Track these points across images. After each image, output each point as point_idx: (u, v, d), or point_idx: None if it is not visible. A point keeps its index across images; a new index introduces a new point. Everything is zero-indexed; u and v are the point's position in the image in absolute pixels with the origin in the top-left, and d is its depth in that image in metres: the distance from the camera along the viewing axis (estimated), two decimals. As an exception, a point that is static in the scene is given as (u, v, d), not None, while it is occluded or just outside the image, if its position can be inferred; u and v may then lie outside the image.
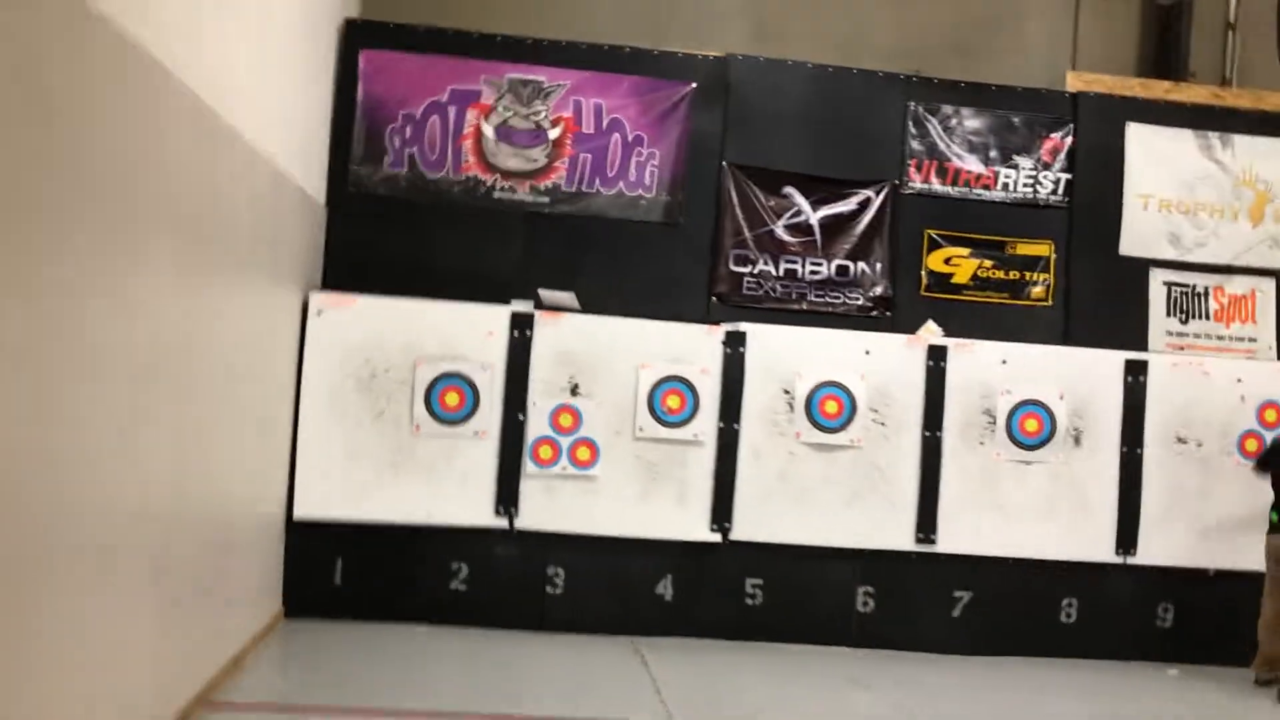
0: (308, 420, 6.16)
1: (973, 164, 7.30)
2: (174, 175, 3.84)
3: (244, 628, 5.48)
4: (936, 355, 6.68)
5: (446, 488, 6.28)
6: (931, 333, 6.85)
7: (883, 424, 6.61)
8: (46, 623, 3.02)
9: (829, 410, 6.56)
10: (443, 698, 5.20)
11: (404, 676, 5.41)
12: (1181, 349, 7.32)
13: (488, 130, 6.84)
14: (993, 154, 7.32)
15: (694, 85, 7.03)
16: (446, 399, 6.27)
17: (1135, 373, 6.76)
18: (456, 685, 5.41)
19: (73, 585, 3.20)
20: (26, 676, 2.91)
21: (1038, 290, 7.34)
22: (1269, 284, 7.49)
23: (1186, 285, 7.43)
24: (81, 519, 3.23)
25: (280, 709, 4.86)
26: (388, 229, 6.78)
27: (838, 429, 6.57)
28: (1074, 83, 7.58)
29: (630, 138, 6.93)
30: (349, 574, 6.28)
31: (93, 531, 3.33)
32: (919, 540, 6.59)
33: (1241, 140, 7.42)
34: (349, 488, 6.19)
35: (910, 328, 6.94)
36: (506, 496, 6.32)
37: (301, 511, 6.14)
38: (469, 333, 6.34)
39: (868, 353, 6.64)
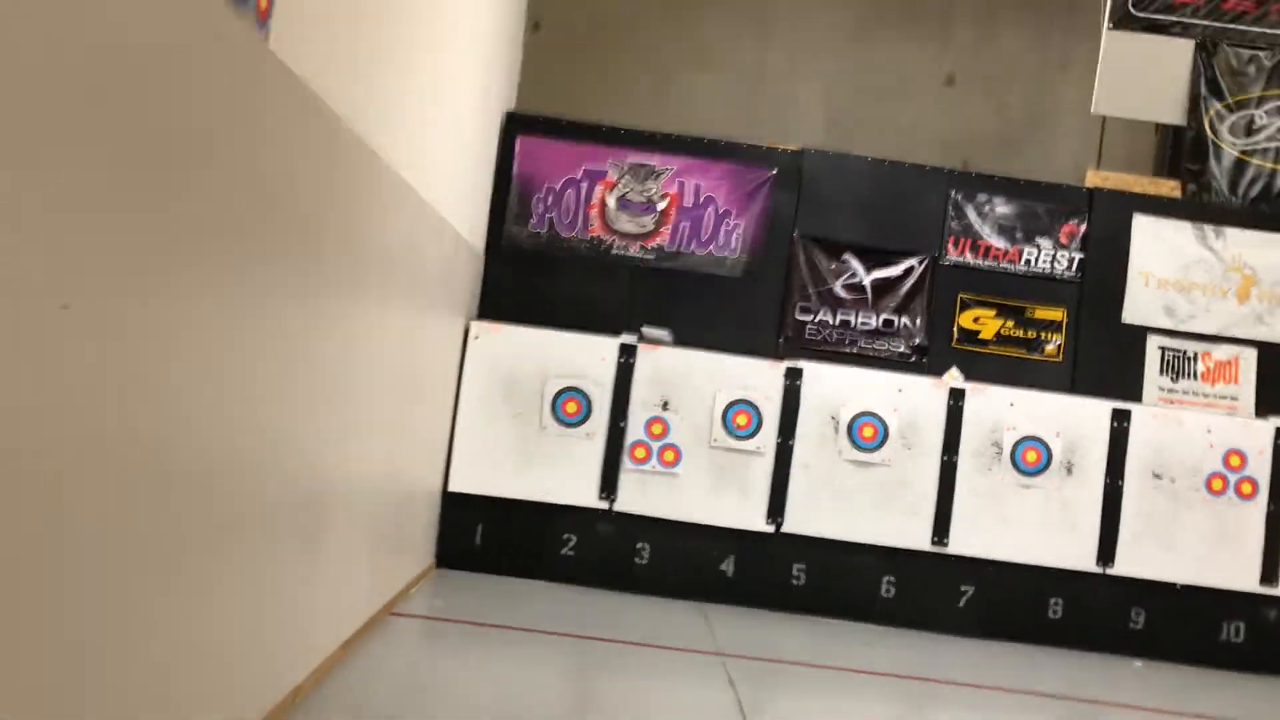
0: (463, 417, 8.14)
1: (1000, 242, 8.96)
2: (392, 240, 5.79)
3: (411, 569, 7.43)
4: (957, 396, 8.36)
5: (562, 475, 8.20)
6: (954, 378, 8.52)
7: (909, 448, 8.31)
8: (324, 548, 4.97)
9: (866, 434, 8.29)
10: (560, 624, 7.07)
11: (529, 610, 7.31)
12: (1171, 403, 8.83)
13: (610, 201, 8.78)
14: (1018, 235, 8.97)
15: (774, 172, 8.87)
16: (567, 407, 8.20)
17: (1120, 419, 8.34)
18: (568, 619, 7.28)
19: (333, 525, 5.15)
20: (309, 581, 4.87)
21: (1050, 348, 8.95)
22: (1251, 352, 8.95)
23: (1178, 350, 8.95)
24: (340, 481, 5.18)
25: (438, 620, 6.80)
26: (529, 274, 8.76)
27: (873, 450, 8.29)
28: (1092, 179, 9.17)
29: (721, 211, 8.80)
30: (486, 536, 8.23)
31: (344, 490, 5.28)
32: (934, 542, 8.25)
33: (1232, 232, 8.90)
34: (490, 470, 8.15)
35: (939, 372, 8.62)
36: (608, 485, 8.21)
37: (454, 486, 8.12)
38: (586, 357, 8.26)
39: (900, 390, 8.35)
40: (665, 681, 6.24)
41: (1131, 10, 6.00)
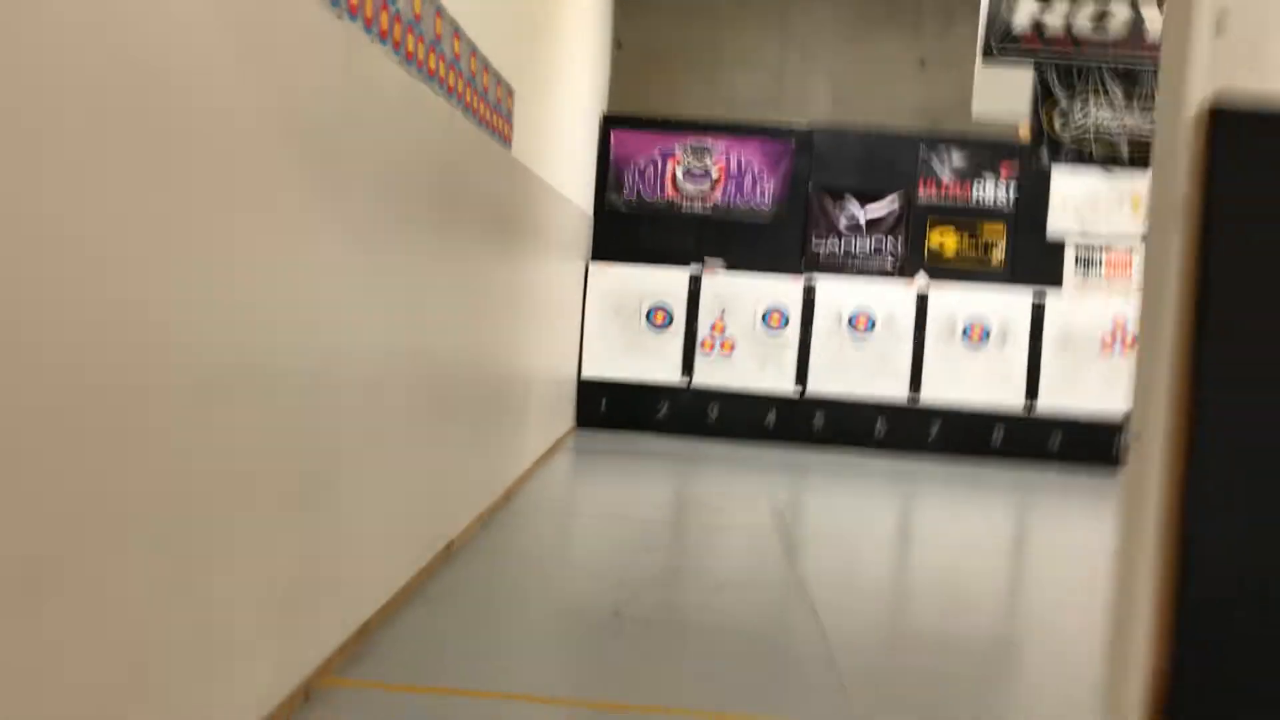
0: (588, 327, 12.16)
1: (956, 181, 12.57)
2: (544, 220, 9.73)
3: (564, 426, 11.51)
4: (922, 298, 12.09)
5: (656, 362, 12.18)
6: (921, 282, 12.23)
7: (891, 332, 12.10)
8: (529, 411, 9.02)
9: (861, 324, 12.10)
10: (659, 457, 11.12)
11: (637, 448, 11.37)
12: (1081, 292, 12.43)
13: (678, 172, 12.59)
14: (969, 175, 12.57)
15: (793, 143, 12.58)
16: (657, 317, 12.15)
17: (1038, 304, 12.01)
18: (664, 454, 11.32)
19: (532, 397, 9.19)
20: (524, 426, 8.93)
21: (996, 256, 12.59)
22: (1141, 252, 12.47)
23: (1088, 251, 12.51)
24: (535, 371, 9.20)
25: (582, 454, 10.89)
26: (624, 227, 12.65)
27: (866, 334, 12.10)
28: (1022, 131, 12.67)
29: (756, 174, 12.56)
30: (609, 405, 12.28)
31: (536, 377, 9.31)
32: (910, 395, 12.07)
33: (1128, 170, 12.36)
34: (608, 361, 12.17)
35: (913, 279, 12.34)
36: (687, 367, 12.18)
37: (585, 374, 12.18)
38: (667, 282, 12.17)
39: (885, 293, 12.12)
40: (732, 481, 10.25)
41: (993, 49, 9.45)
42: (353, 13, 3.96)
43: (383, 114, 4.41)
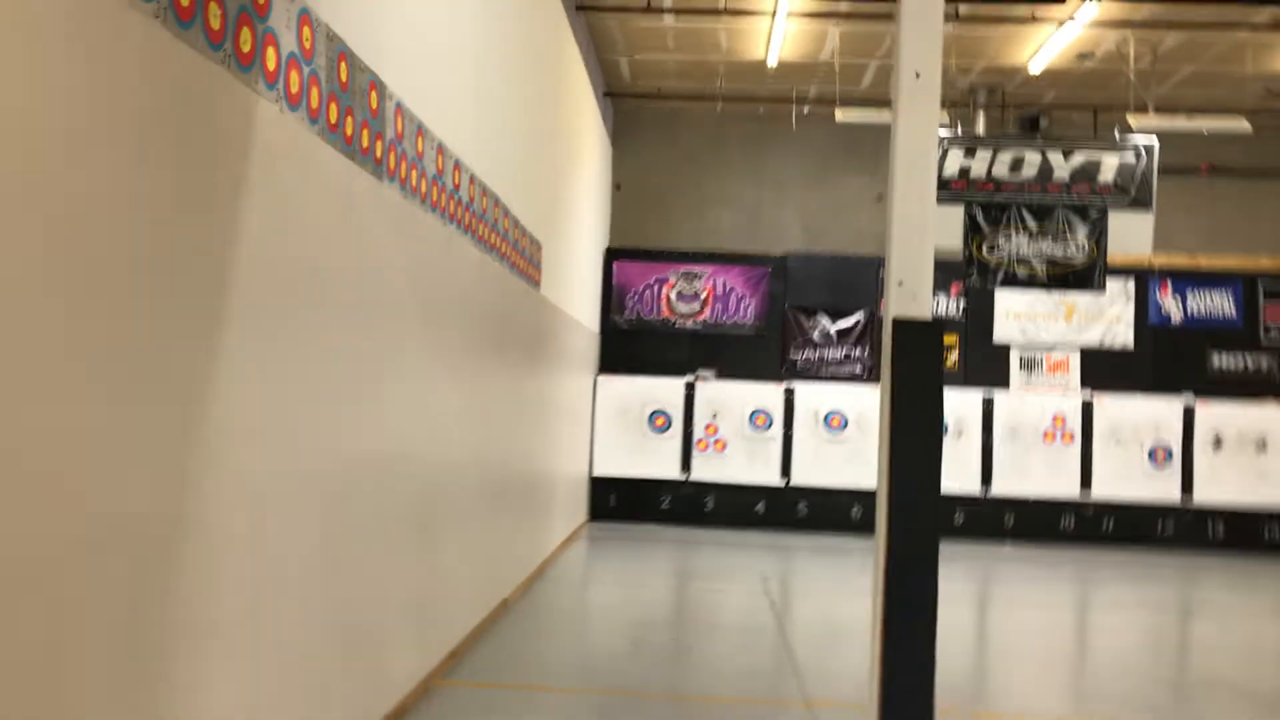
0: (598, 430, 14.00)
1: (913, 299, 14.54)
2: (563, 342, 11.65)
3: (579, 518, 13.26)
4: (888, 395, 13.98)
5: (658, 461, 13.99)
6: (887, 384, 14.13)
7: (862, 430, 13.94)
8: (554, 504, 10.83)
9: (835, 423, 13.95)
10: (663, 543, 12.86)
11: (644, 535, 13.11)
12: (1027, 390, 14.32)
13: (672, 295, 14.58)
14: (925, 293, 14.54)
15: (770, 269, 14.60)
16: (657, 421, 14.01)
17: (989, 401, 13.89)
18: (668, 539, 13.05)
19: (555, 493, 11.00)
20: (550, 516, 10.72)
21: (950, 361, 14.50)
22: (1076, 354, 14.40)
23: (1030, 355, 14.43)
24: (556, 471, 11.04)
25: (597, 540, 12.64)
26: (626, 343, 14.58)
27: (840, 431, 13.94)
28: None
29: (739, 296, 14.54)
30: (617, 498, 14.04)
31: (558, 476, 11.13)
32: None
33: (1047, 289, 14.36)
34: (616, 460, 13.98)
35: (878, 383, 14.22)
36: (685, 464, 13.99)
37: (597, 472, 13.98)
38: (666, 390, 14.06)
39: (855, 395, 14.00)
40: (725, 558, 11.98)
41: None
42: (452, 219, 5.89)
43: (466, 280, 6.33)
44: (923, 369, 4.05)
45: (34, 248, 2.38)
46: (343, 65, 4.17)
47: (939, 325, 4.20)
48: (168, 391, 2.94)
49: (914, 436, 4.00)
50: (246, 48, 3.31)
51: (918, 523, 4.01)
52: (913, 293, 4.07)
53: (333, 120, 4.06)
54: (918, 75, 4.07)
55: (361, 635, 4.73)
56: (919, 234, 4.12)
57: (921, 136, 4.14)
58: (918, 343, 4.08)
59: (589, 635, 7.61)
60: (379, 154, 4.60)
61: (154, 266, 2.85)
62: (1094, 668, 7.60)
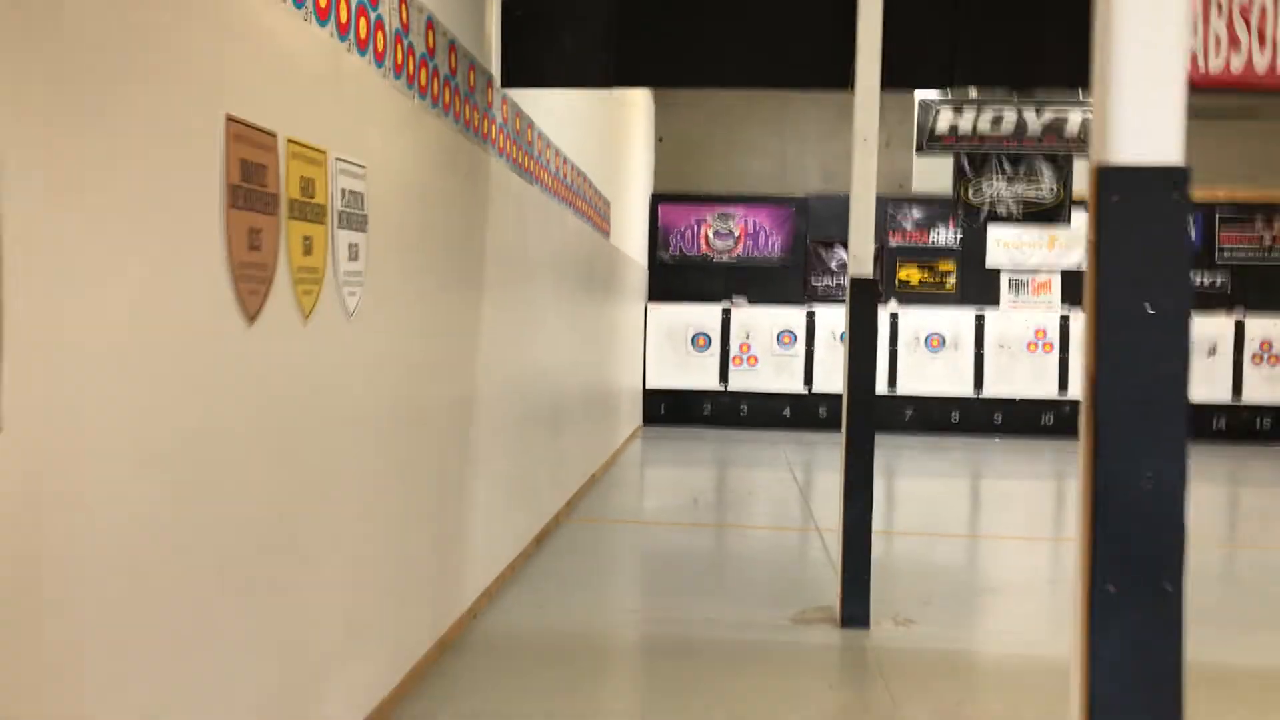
0: (649, 350, 16.60)
1: (916, 230, 16.93)
2: (621, 274, 14.18)
3: (635, 424, 15.92)
4: (894, 316, 16.45)
5: (700, 374, 16.60)
6: (892, 306, 16.57)
7: (873, 343, 16.44)
8: (620, 413, 13.45)
9: (850, 339, 16.46)
10: (705, 440, 15.51)
11: (694, 435, 15.78)
12: (1015, 307, 16.73)
13: (710, 234, 17.04)
14: (926, 225, 16.92)
15: (794, 208, 17.01)
16: (699, 340, 16.59)
17: (980, 317, 16.35)
18: (710, 438, 15.70)
19: (620, 405, 13.61)
20: (618, 422, 13.35)
21: (949, 284, 16.91)
22: (1058, 276, 16.77)
23: (1018, 277, 16.81)
24: (620, 387, 13.64)
25: (651, 440, 15.30)
26: (671, 277, 17.09)
27: (854, 346, 16.46)
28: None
29: (768, 232, 16.98)
30: (666, 407, 16.68)
31: (621, 391, 13.73)
32: (889, 389, 16.41)
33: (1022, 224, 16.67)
34: (664, 375, 16.59)
35: (886, 304, 16.70)
36: (723, 377, 16.59)
37: (649, 385, 16.61)
38: (707, 315, 16.61)
39: (866, 315, 16.48)
40: (759, 451, 14.61)
41: (924, 146, 13.85)
42: (563, 200, 8.43)
43: (570, 242, 8.87)
44: (867, 311, 6.58)
45: (409, 237, 4.95)
46: (518, 119, 6.69)
47: (874, 283, 6.73)
48: (469, 328, 5.54)
49: (862, 360, 6.56)
50: (485, 130, 5.84)
51: (860, 416, 6.57)
52: (860, 262, 6.56)
53: (514, 156, 6.59)
54: (865, 140, 6.53)
55: (529, 485, 7.38)
56: (865, 232, 6.59)
57: (867, 189, 6.61)
58: (864, 294, 6.60)
59: (660, 495, 10.29)
60: (527, 165, 7.13)
61: (463, 250, 5.42)
62: (1057, 509, 10.21)
